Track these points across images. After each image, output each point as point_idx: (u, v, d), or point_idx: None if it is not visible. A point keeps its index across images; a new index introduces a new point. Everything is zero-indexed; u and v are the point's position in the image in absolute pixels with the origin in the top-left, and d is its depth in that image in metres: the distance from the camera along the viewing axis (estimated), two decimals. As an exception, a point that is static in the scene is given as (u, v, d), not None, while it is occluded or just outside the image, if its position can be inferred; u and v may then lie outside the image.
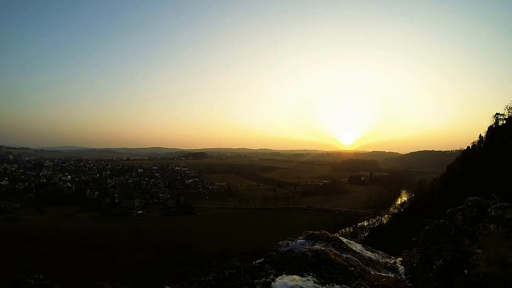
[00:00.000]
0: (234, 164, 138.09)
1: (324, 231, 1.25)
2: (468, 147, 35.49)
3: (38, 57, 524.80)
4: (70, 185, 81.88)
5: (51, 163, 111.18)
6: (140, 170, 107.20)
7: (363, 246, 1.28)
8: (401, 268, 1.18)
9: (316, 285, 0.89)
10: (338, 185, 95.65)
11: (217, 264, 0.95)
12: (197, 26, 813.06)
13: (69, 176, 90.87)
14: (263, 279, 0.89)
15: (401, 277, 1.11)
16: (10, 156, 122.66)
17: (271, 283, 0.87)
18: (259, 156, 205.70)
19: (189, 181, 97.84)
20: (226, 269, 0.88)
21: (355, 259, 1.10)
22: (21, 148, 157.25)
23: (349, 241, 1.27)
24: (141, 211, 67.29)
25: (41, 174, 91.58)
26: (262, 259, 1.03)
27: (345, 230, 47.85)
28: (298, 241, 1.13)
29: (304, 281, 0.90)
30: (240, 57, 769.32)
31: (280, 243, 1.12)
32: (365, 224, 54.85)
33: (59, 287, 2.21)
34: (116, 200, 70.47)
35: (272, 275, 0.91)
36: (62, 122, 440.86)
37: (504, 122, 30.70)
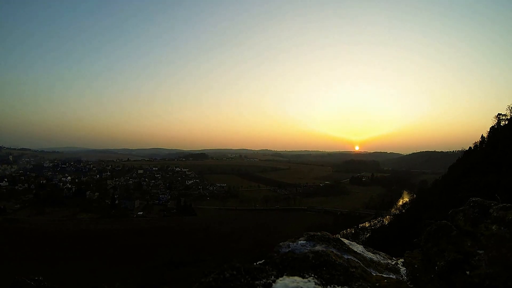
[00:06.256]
0: (234, 165, 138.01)
1: (325, 232, 1.24)
2: (470, 147, 35.40)
3: (38, 57, 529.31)
4: (70, 186, 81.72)
5: (51, 164, 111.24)
6: (140, 171, 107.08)
7: (364, 247, 1.28)
8: (403, 269, 1.17)
9: (317, 286, 0.88)
10: (340, 186, 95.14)
11: (218, 265, 0.95)
12: (196, 27, 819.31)
13: (69, 177, 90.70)
14: (264, 280, 0.89)
15: (403, 278, 1.10)
16: (10, 157, 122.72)
17: (272, 284, 0.87)
18: (259, 157, 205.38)
19: (190, 182, 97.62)
20: (226, 270, 0.88)
21: (357, 260, 1.10)
22: (21, 149, 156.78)
23: (351, 242, 1.26)
24: (141, 212, 67.09)
25: (40, 175, 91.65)
26: (263, 260, 1.03)
27: (346, 231, 47.63)
28: (299, 242, 1.13)
29: (305, 282, 0.89)
30: (243, 58, 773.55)
31: (281, 244, 1.12)
32: (367, 225, 54.53)
33: (59, 288, 2.19)
34: (116, 201, 70.29)
35: (273, 276, 0.91)
36: (62, 123, 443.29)
37: (506, 123, 30.62)
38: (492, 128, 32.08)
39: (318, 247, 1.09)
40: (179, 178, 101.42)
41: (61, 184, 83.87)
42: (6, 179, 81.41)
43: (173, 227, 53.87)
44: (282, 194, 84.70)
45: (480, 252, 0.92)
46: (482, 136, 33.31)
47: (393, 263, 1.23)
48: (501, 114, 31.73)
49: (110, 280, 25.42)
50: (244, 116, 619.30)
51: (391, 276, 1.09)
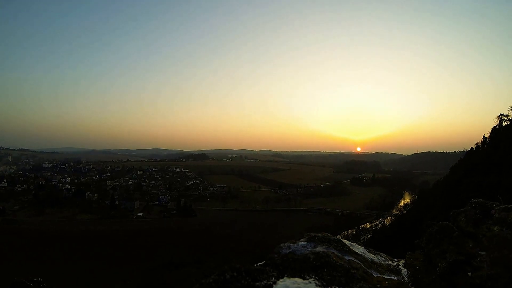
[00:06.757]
0: (235, 165, 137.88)
1: (326, 233, 1.24)
2: (471, 148, 35.28)
3: (38, 58, 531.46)
4: (69, 186, 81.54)
5: (50, 164, 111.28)
6: (140, 172, 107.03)
7: (365, 248, 1.27)
8: (404, 271, 1.16)
9: (318, 287, 0.88)
10: (340, 187, 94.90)
11: (218, 266, 0.95)
12: (200, 27, 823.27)
13: (68, 178, 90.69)
14: (265, 281, 0.88)
15: (404, 280, 1.10)
16: (9, 158, 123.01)
17: (272, 286, 0.87)
18: (260, 158, 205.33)
19: (190, 183, 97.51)
20: (227, 271, 0.88)
21: (358, 262, 1.09)
22: (20, 149, 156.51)
23: (352, 243, 1.26)
24: (141, 213, 66.95)
25: (40, 175, 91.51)
26: (263, 262, 1.03)
27: (347, 232, 47.46)
28: (300, 243, 1.13)
29: (306, 283, 0.89)
30: (245, 59, 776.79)
31: (281, 245, 1.11)
32: (368, 226, 54.32)
33: (59, 290, 2.18)
34: (116, 202, 70.18)
35: (273, 278, 0.91)
36: (62, 124, 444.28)
37: (508, 123, 30.53)
38: (494, 128, 31.97)
39: (319, 248, 1.09)
40: (179, 179, 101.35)
41: (61, 184, 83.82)
42: (5, 180, 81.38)
43: (173, 228, 53.69)
44: (283, 195, 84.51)
45: (482, 253, 0.92)
46: (484, 136, 33.25)
47: (395, 264, 1.22)
48: (503, 114, 31.61)
49: (109, 281, 25.33)
50: (244, 116, 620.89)
51: (392, 277, 1.09)
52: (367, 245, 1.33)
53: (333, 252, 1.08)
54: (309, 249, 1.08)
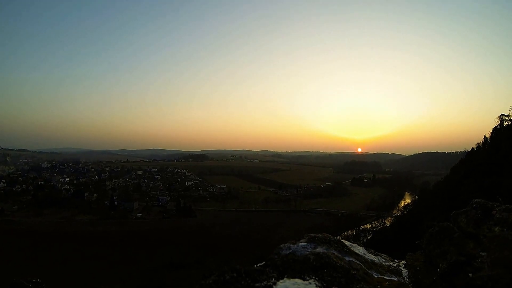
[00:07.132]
0: (235, 166, 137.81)
1: (326, 234, 1.24)
2: (472, 148, 35.30)
3: (38, 58, 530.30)
4: (68, 187, 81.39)
5: (49, 165, 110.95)
6: (139, 172, 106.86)
7: (366, 249, 1.27)
8: (405, 272, 1.16)
9: (318, 288, 0.87)
10: (341, 187, 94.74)
11: (218, 267, 0.94)
12: (198, 26, 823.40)
13: (67, 178, 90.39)
14: (265, 282, 0.88)
15: (405, 281, 1.09)
16: (8, 158, 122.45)
17: (272, 287, 0.87)
18: (260, 158, 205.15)
19: (189, 183, 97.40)
20: (227, 272, 0.88)
21: (358, 263, 1.09)
22: (18, 149, 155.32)
23: (352, 244, 1.25)
24: (140, 214, 66.86)
25: (38, 176, 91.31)
26: (263, 262, 1.03)
27: (347, 233, 47.46)
28: (300, 244, 1.12)
29: (306, 284, 0.89)
30: (244, 59, 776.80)
31: (281, 246, 1.11)
32: (368, 226, 54.30)
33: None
34: (115, 203, 70.09)
35: (273, 279, 0.91)
36: (61, 124, 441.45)
37: (509, 123, 30.57)
38: (494, 128, 32.00)
39: (319, 249, 1.08)
40: (179, 179, 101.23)
41: (60, 185, 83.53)
42: (4, 180, 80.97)
43: (172, 228, 53.61)
44: (283, 196, 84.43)
45: (483, 254, 0.92)
46: (484, 137, 33.27)
47: (395, 265, 1.22)
48: (503, 114, 31.66)
49: (109, 282, 25.24)
50: (244, 117, 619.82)
51: (392, 278, 1.08)
52: (367, 246, 1.32)
53: (334, 253, 1.08)
54: (309, 250, 1.07)
